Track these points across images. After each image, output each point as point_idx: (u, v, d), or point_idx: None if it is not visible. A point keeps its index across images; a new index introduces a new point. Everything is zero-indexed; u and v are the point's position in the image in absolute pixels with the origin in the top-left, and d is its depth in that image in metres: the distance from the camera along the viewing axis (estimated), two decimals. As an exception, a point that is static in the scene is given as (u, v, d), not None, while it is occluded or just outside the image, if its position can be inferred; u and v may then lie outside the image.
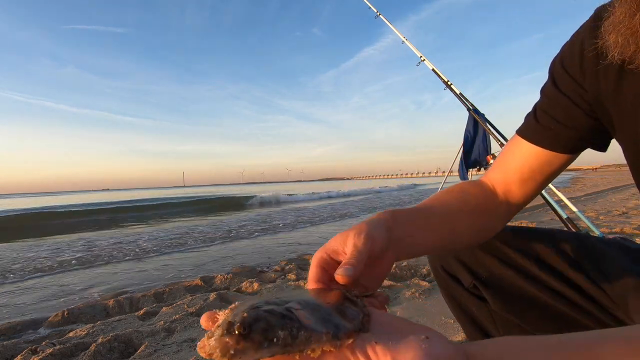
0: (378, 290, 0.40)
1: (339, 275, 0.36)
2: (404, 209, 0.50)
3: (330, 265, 0.40)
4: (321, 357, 0.26)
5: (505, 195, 0.61)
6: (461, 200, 0.57)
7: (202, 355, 0.25)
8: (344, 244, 0.40)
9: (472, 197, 0.58)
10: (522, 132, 0.61)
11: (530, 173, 0.59)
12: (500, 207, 0.60)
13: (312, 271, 0.40)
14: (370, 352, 0.26)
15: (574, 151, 0.58)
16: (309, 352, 0.25)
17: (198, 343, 0.26)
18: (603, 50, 0.47)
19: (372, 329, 0.28)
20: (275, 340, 0.24)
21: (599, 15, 0.50)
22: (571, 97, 0.54)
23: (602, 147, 0.59)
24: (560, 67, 0.55)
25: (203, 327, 0.31)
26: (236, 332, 0.23)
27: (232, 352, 0.23)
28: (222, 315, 0.30)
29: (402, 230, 0.46)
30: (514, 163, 0.61)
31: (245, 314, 0.25)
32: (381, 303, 0.37)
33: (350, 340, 0.26)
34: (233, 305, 0.31)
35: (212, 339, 0.24)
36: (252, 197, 15.01)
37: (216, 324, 0.27)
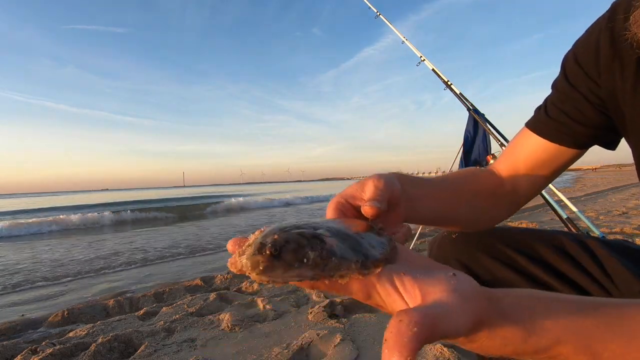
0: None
1: (367, 207, 0.36)
2: (411, 175, 0.50)
3: (347, 209, 0.39)
4: (348, 284, 0.26)
5: (511, 186, 0.61)
6: (470, 180, 0.58)
7: (233, 270, 0.26)
8: (362, 189, 0.40)
9: (481, 179, 0.60)
10: (531, 124, 0.61)
11: (537, 166, 0.59)
12: (505, 196, 0.60)
13: (330, 215, 0.39)
14: (397, 282, 0.26)
15: (582, 146, 0.57)
16: (337, 278, 0.25)
17: (229, 259, 0.27)
18: (629, 44, 0.46)
19: (398, 262, 0.28)
20: (305, 260, 0.24)
21: (616, 10, 0.49)
22: (583, 92, 0.53)
23: (611, 145, 0.58)
24: (574, 62, 0.54)
25: (229, 250, 0.30)
26: (267, 252, 0.23)
27: (261, 267, 0.23)
28: (252, 238, 0.29)
29: (412, 191, 0.47)
30: (521, 155, 0.61)
31: (276, 236, 0.25)
32: (404, 235, 0.37)
33: (379, 269, 0.26)
34: (262, 229, 0.30)
35: (244, 256, 0.25)
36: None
37: (247, 243, 0.27)
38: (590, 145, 0.58)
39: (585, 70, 0.52)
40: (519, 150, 0.61)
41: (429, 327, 0.22)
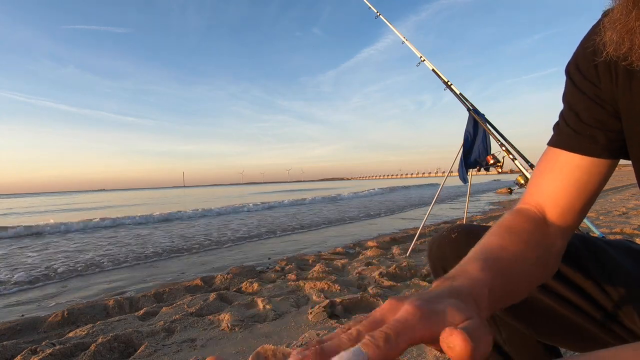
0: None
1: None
2: (481, 275, 0.38)
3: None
4: None
5: (556, 223, 0.53)
6: (528, 244, 0.49)
7: None
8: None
9: (528, 235, 0.50)
10: (558, 142, 0.55)
11: (579, 189, 0.53)
12: (556, 241, 0.53)
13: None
14: None
15: (617, 156, 0.53)
16: None
17: None
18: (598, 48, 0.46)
19: None
20: None
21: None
22: (592, 98, 0.52)
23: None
24: (576, 70, 0.53)
25: None
26: None
27: None
28: None
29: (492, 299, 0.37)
30: (557, 180, 0.54)
31: None
32: None
33: None
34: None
35: None
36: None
37: None
38: (622, 154, 0.54)
39: (587, 76, 0.52)
40: (553, 175, 0.55)
41: None
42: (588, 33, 0.53)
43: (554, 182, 0.55)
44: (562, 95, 0.57)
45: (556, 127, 0.58)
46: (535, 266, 0.47)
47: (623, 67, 0.47)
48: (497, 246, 0.46)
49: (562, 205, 0.53)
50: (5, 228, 7.28)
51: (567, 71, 0.55)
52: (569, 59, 0.56)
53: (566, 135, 0.55)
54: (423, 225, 3.57)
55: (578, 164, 0.53)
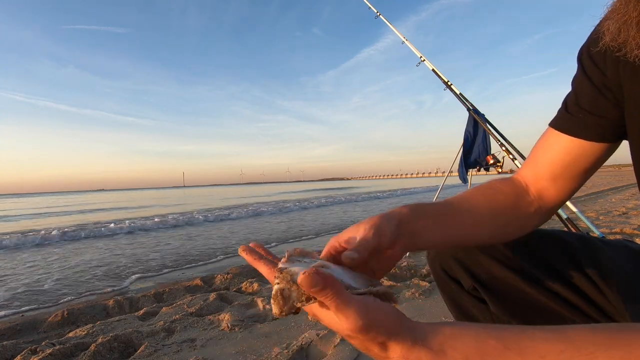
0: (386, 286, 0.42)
1: (345, 257, 0.41)
2: (425, 203, 0.52)
3: (339, 252, 0.44)
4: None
5: (538, 193, 0.59)
6: (487, 196, 0.57)
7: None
8: (356, 233, 0.44)
9: (499, 194, 0.58)
10: (552, 122, 0.59)
11: (562, 167, 0.57)
12: (531, 205, 0.58)
13: (323, 255, 0.45)
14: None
15: (607, 139, 0.55)
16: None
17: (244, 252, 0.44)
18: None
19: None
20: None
21: None
22: (596, 84, 0.53)
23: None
24: (587, 55, 0.54)
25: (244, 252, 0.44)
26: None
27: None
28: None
29: (417, 224, 0.49)
30: (545, 156, 0.59)
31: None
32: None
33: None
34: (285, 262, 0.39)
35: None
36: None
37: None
38: (618, 139, 0.55)
39: (596, 63, 0.52)
40: (541, 152, 0.59)
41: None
42: (601, 19, 0.53)
43: (542, 158, 0.59)
44: (572, 78, 0.58)
45: (559, 109, 0.60)
46: (490, 215, 0.55)
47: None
48: (463, 197, 0.56)
49: (545, 178, 0.58)
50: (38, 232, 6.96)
51: (579, 56, 0.56)
52: (583, 43, 0.56)
53: (560, 117, 0.58)
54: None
55: (567, 145, 0.56)
